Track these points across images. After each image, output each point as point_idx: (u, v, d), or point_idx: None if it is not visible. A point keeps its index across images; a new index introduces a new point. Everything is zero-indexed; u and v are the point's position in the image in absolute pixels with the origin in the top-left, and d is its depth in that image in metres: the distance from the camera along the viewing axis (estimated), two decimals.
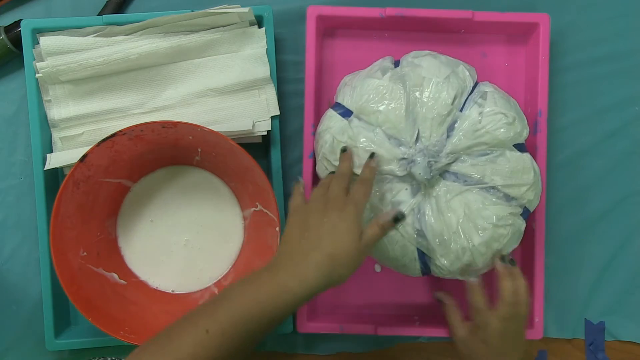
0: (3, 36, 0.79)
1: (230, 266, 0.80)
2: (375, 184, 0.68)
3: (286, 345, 0.84)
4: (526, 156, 0.70)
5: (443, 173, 0.69)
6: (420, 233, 0.69)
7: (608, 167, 0.85)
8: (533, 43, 0.81)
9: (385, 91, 0.69)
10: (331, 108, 0.75)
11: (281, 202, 0.78)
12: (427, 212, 0.68)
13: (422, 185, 0.68)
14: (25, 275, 0.83)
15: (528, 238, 0.82)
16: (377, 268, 0.84)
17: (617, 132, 0.85)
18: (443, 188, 0.68)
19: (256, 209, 0.77)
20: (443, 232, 0.68)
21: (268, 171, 0.81)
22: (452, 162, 0.68)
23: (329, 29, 0.83)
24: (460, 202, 0.68)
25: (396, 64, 0.74)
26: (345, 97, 0.73)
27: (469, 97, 0.70)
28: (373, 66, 0.73)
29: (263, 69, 0.78)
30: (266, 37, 0.78)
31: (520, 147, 0.71)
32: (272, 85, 0.78)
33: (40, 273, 0.78)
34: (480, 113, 0.68)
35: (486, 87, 0.71)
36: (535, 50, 0.80)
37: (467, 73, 0.71)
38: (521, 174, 0.69)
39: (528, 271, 0.81)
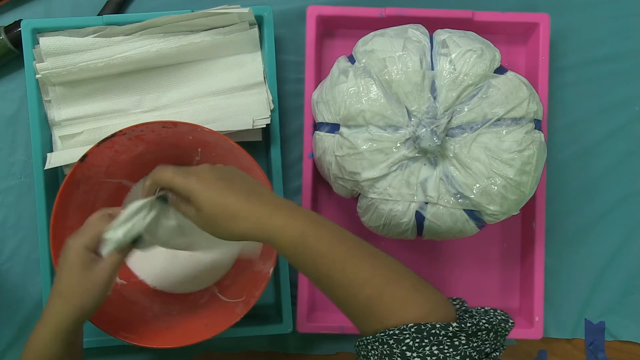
0: (3, 36, 0.79)
1: (230, 266, 0.80)
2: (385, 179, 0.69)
3: (286, 345, 0.84)
4: (510, 75, 0.70)
5: (449, 132, 0.68)
6: (459, 195, 0.69)
7: (608, 167, 0.85)
8: (533, 43, 0.81)
9: (357, 90, 0.69)
10: (316, 130, 0.75)
11: None
12: (455, 173, 0.68)
13: (437, 154, 0.68)
14: (25, 275, 0.83)
15: (528, 238, 0.82)
16: None
17: (617, 132, 0.85)
18: (456, 145, 0.68)
19: None
20: (478, 182, 0.68)
21: (268, 171, 0.81)
22: (452, 118, 0.68)
23: (329, 29, 0.83)
24: (478, 148, 0.68)
25: (351, 59, 0.74)
26: (324, 114, 0.72)
27: (432, 52, 0.70)
28: (332, 74, 0.73)
29: (259, 73, 0.79)
30: (266, 37, 0.78)
31: (500, 71, 0.71)
32: (266, 87, 0.79)
33: (40, 273, 0.78)
34: (450, 61, 0.68)
35: (441, 34, 0.71)
36: (535, 50, 0.80)
37: (419, 32, 0.71)
38: (515, 93, 0.69)
39: (528, 271, 0.81)
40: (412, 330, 0.50)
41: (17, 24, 0.79)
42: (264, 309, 0.83)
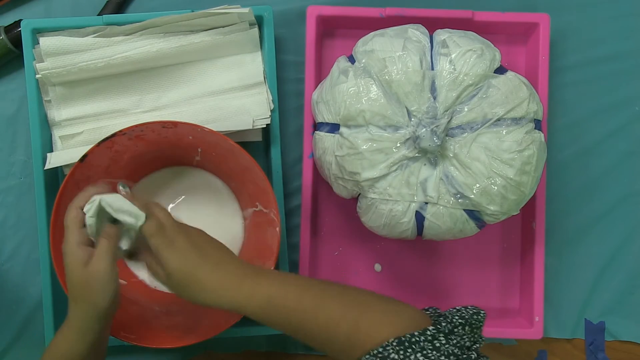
0: (3, 36, 0.79)
1: None
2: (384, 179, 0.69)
3: (286, 345, 0.84)
4: (510, 75, 0.70)
5: (449, 132, 0.68)
6: (459, 195, 0.69)
7: (608, 167, 0.85)
8: (533, 43, 0.81)
9: (357, 90, 0.69)
10: (316, 130, 0.75)
11: (281, 202, 0.78)
12: (455, 173, 0.68)
13: (437, 154, 0.68)
14: (25, 275, 0.83)
15: (528, 238, 0.82)
16: (377, 267, 0.84)
17: (617, 132, 0.85)
18: (456, 145, 0.68)
19: (256, 209, 0.77)
20: (478, 182, 0.68)
21: (268, 171, 0.81)
22: (452, 118, 0.68)
23: (329, 29, 0.83)
24: (478, 148, 0.68)
25: (351, 59, 0.74)
26: (324, 114, 0.72)
27: (432, 52, 0.70)
28: (332, 74, 0.73)
29: (259, 73, 0.79)
30: (266, 37, 0.78)
31: (500, 71, 0.70)
32: (266, 87, 0.79)
33: (40, 273, 0.78)
34: (450, 61, 0.68)
35: (441, 34, 0.71)
36: (535, 50, 0.80)
37: (418, 32, 0.71)
38: (515, 93, 0.69)
39: (528, 271, 0.81)
40: (394, 344, 0.52)
41: (17, 24, 0.79)
42: None
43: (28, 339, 0.83)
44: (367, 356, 0.52)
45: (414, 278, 0.84)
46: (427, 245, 0.83)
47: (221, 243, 0.63)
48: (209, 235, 0.63)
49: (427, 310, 0.59)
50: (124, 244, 0.63)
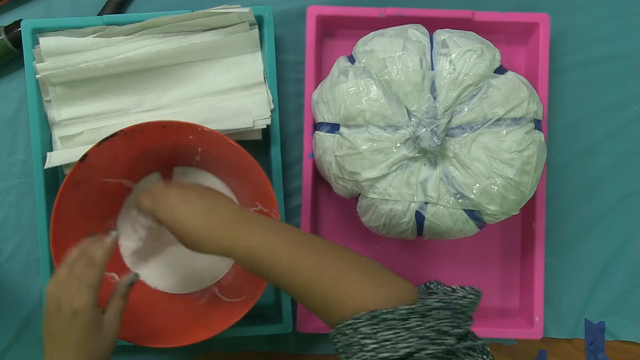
0: (3, 36, 0.79)
1: (230, 266, 0.80)
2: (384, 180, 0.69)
3: (286, 345, 0.84)
4: (510, 75, 0.70)
5: (449, 132, 0.68)
6: (459, 195, 0.69)
7: (608, 167, 0.85)
8: (533, 43, 0.81)
9: (357, 90, 0.69)
10: (316, 130, 0.75)
11: (281, 202, 0.78)
12: (454, 173, 0.68)
13: (437, 154, 0.68)
14: (25, 275, 0.83)
15: (528, 238, 0.82)
16: None
17: (617, 132, 0.85)
18: (456, 145, 0.68)
19: (256, 209, 0.77)
20: (478, 182, 0.68)
21: (268, 171, 0.81)
22: (452, 118, 0.68)
23: (329, 29, 0.83)
24: (478, 148, 0.68)
25: (351, 59, 0.74)
26: (324, 114, 0.72)
27: (432, 52, 0.70)
28: (332, 74, 0.73)
29: (259, 73, 0.79)
30: (266, 37, 0.78)
31: (500, 71, 0.71)
32: (266, 87, 0.79)
33: (40, 273, 0.78)
34: (450, 61, 0.68)
35: (441, 34, 0.71)
36: (535, 50, 0.80)
37: (418, 32, 0.71)
38: (515, 93, 0.69)
39: (528, 271, 0.81)
40: (365, 317, 0.52)
41: (17, 24, 0.79)
42: (264, 309, 0.83)
43: (28, 339, 0.83)
44: (340, 325, 0.53)
45: (414, 278, 0.83)
46: (427, 245, 0.83)
47: (213, 191, 0.65)
48: (202, 187, 0.65)
49: (431, 283, 0.58)
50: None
